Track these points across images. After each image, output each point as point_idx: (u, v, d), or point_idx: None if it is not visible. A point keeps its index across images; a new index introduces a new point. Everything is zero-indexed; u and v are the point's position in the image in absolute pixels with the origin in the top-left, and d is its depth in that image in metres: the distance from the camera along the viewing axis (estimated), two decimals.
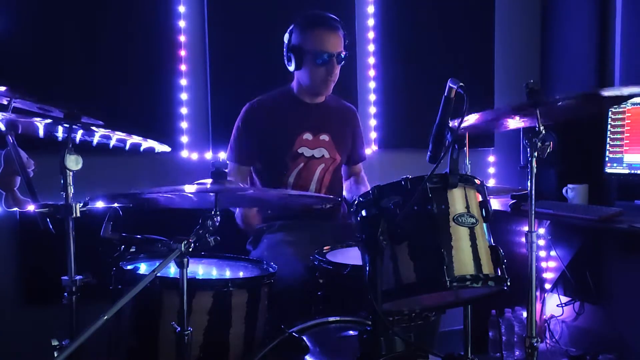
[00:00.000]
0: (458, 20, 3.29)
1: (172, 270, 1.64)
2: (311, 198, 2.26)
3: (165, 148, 1.80)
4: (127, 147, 1.72)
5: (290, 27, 2.44)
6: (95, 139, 1.66)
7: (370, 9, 3.14)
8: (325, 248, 2.08)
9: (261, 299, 1.84)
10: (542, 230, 3.07)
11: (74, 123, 1.52)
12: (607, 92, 1.83)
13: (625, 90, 1.76)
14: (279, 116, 2.49)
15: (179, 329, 1.53)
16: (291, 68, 2.46)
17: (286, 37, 2.45)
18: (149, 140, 1.71)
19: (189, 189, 1.61)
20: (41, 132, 1.60)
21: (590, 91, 1.74)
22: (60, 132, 1.60)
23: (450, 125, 1.66)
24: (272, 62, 2.59)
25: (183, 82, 2.82)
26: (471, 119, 1.80)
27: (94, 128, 1.55)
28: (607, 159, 2.80)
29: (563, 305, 3.07)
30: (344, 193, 2.70)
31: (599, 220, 2.37)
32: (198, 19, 2.85)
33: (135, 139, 1.67)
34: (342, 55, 2.42)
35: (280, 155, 2.47)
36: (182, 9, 2.80)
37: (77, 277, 1.61)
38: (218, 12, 2.85)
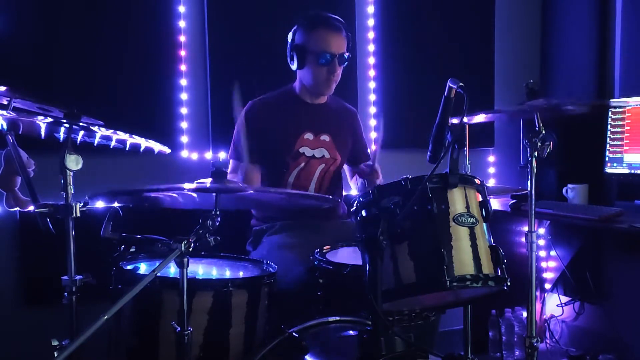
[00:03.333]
0: (458, 21, 3.29)
1: (172, 270, 1.64)
2: (311, 199, 2.26)
3: (165, 149, 1.80)
4: (127, 147, 1.72)
5: (294, 27, 2.44)
6: (96, 140, 1.66)
7: (370, 9, 3.14)
8: (325, 248, 2.08)
9: (261, 299, 1.84)
10: (542, 230, 3.07)
11: (74, 123, 1.52)
12: (614, 103, 1.83)
13: (632, 102, 1.76)
14: (281, 115, 2.50)
15: (179, 329, 1.53)
16: (294, 67, 2.46)
17: (290, 36, 2.45)
18: (149, 140, 1.71)
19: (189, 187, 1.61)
20: (43, 132, 1.60)
21: (596, 102, 1.74)
22: (61, 133, 1.60)
23: (450, 125, 1.67)
24: (273, 62, 2.60)
25: (183, 82, 2.82)
26: (478, 119, 1.80)
27: (94, 128, 1.55)
28: (607, 159, 2.80)
29: (563, 305, 3.07)
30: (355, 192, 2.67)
31: (599, 220, 2.37)
32: (198, 19, 2.85)
33: (135, 139, 1.67)
34: (345, 57, 2.43)
35: (281, 154, 2.47)
36: (182, 9, 2.80)
37: (77, 277, 1.60)
38: (218, 12, 2.85)
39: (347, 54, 2.44)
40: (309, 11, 2.48)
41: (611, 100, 2.04)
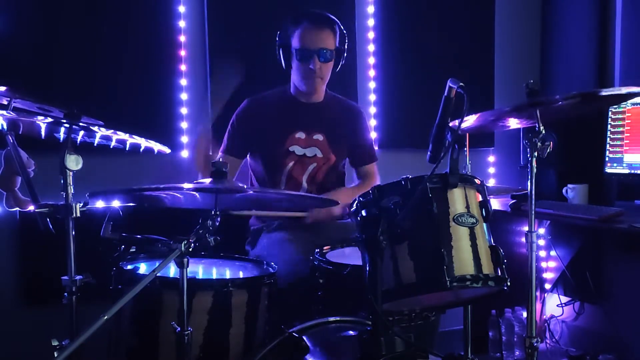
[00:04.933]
0: (458, 21, 3.29)
1: (172, 270, 1.64)
2: (310, 200, 2.25)
3: (165, 149, 1.80)
4: (127, 147, 1.72)
5: (281, 26, 2.43)
6: (96, 140, 1.66)
7: (370, 9, 3.14)
8: (325, 248, 2.08)
9: (261, 299, 1.84)
10: (542, 230, 3.07)
11: (74, 123, 1.52)
12: (605, 92, 1.83)
13: (624, 90, 1.75)
14: (272, 114, 2.49)
15: (179, 329, 1.53)
16: (284, 67, 2.45)
17: (277, 35, 2.44)
18: (149, 140, 1.71)
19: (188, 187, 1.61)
20: (43, 132, 1.60)
21: (588, 91, 1.73)
22: (61, 133, 1.60)
23: (450, 125, 1.67)
24: (273, 62, 2.59)
25: (183, 82, 2.82)
26: (470, 119, 1.80)
27: (94, 128, 1.55)
28: (607, 159, 2.80)
29: (563, 305, 3.07)
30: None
31: (599, 220, 2.37)
32: (198, 19, 2.85)
33: (135, 139, 1.67)
34: (327, 54, 2.35)
35: (272, 152, 2.46)
36: (182, 9, 2.80)
37: (77, 277, 1.60)
38: (218, 12, 2.85)
39: (331, 50, 2.36)
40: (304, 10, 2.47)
41: (603, 90, 2.02)
